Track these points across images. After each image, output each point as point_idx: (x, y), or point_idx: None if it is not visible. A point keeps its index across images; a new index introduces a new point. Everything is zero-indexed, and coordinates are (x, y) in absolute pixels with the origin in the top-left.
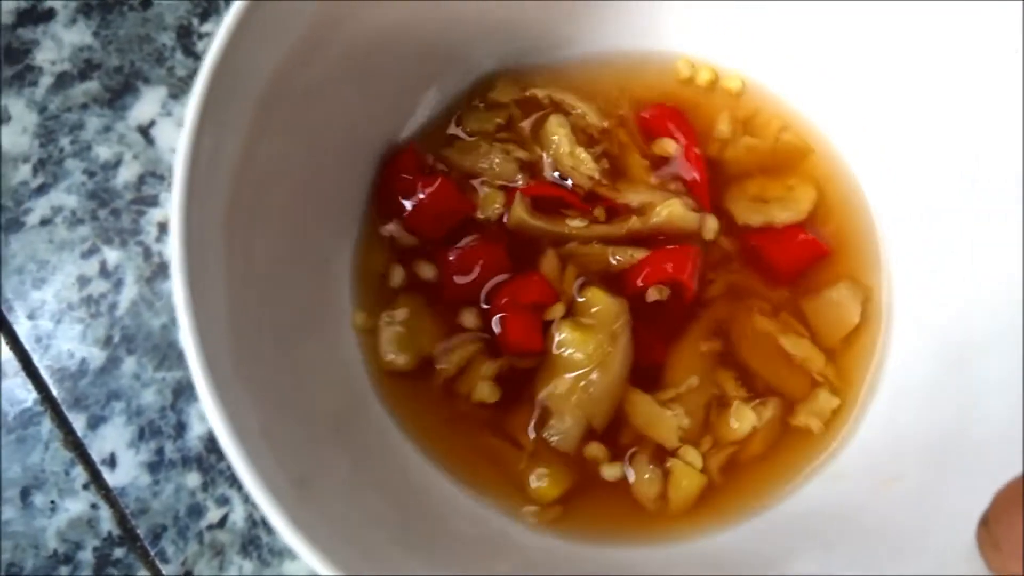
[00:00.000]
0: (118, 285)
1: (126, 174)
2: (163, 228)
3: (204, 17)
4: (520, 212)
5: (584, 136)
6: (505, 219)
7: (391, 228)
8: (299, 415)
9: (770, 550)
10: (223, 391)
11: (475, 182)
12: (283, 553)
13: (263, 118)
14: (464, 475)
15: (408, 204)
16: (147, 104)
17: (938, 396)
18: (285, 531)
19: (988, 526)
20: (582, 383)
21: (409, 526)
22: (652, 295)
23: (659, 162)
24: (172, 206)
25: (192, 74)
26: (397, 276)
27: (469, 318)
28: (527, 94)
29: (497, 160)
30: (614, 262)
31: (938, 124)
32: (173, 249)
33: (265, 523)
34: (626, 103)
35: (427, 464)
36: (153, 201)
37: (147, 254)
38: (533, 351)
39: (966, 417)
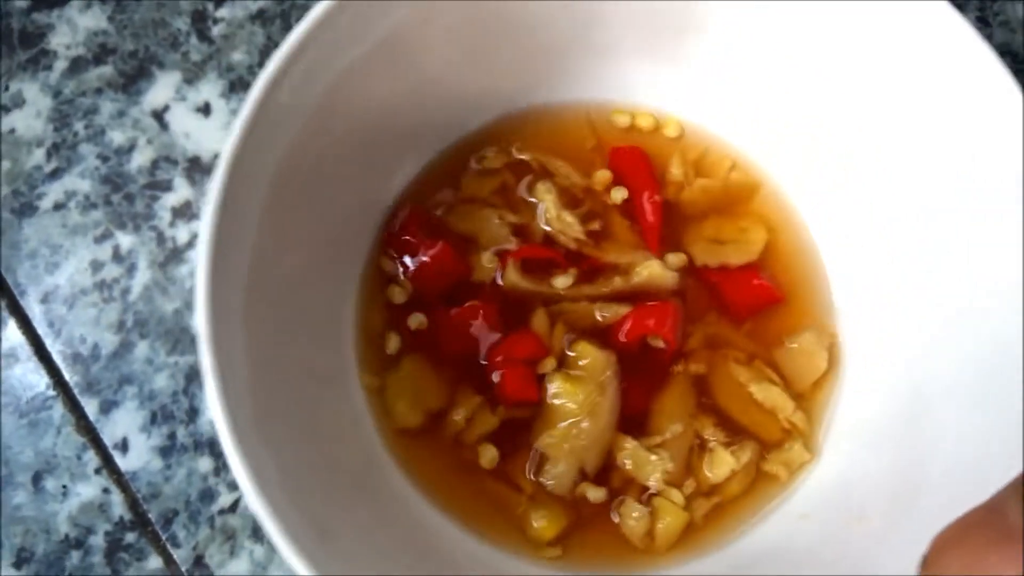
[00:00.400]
0: (131, 270)
1: (140, 159)
2: (176, 213)
3: (219, 2)
4: (513, 276)
5: (568, 196)
6: (499, 281)
7: (394, 287)
8: (316, 470)
9: None
10: (247, 449)
11: (472, 245)
12: None
13: (273, 197)
14: (469, 520)
15: (411, 263)
16: (161, 89)
17: (897, 437)
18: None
19: (926, 567)
20: (574, 431)
21: (421, 570)
22: (651, 343)
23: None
24: (198, 283)
25: (207, 59)
26: (393, 343)
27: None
28: (516, 158)
29: (493, 223)
30: (600, 318)
31: (878, 164)
32: (200, 321)
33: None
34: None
35: (435, 511)
36: (167, 186)
37: (160, 239)
38: (529, 402)
39: (926, 458)
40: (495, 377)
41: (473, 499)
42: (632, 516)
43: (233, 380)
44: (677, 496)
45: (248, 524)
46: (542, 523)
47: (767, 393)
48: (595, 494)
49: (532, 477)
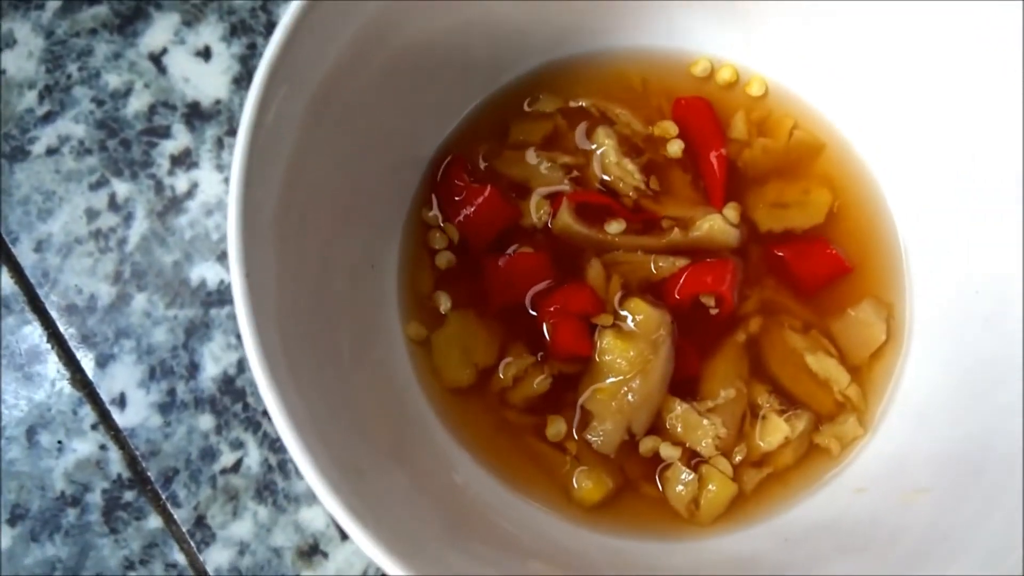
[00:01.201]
0: (128, 219)
1: (136, 104)
2: (175, 161)
3: None
4: (566, 218)
5: (629, 145)
6: (550, 226)
7: (439, 238)
8: (352, 419)
9: (796, 555)
10: (283, 392)
11: (522, 191)
12: (299, 499)
13: (312, 122)
14: (512, 479)
15: (458, 210)
16: (159, 31)
17: (961, 412)
18: (340, 513)
19: None
20: (623, 389)
21: (456, 525)
22: (704, 304)
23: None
24: (230, 216)
25: (207, 1)
26: (444, 303)
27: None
28: (572, 104)
29: (544, 167)
30: (655, 270)
31: (955, 119)
32: (231, 247)
33: (281, 468)
34: (657, 100)
35: (476, 467)
36: (165, 133)
37: (158, 187)
38: (582, 356)
39: (991, 434)
40: (546, 330)
41: (516, 458)
42: (679, 482)
43: (265, 316)
44: (725, 465)
45: (251, 484)
46: (587, 485)
47: (822, 364)
48: (648, 445)
49: (576, 436)
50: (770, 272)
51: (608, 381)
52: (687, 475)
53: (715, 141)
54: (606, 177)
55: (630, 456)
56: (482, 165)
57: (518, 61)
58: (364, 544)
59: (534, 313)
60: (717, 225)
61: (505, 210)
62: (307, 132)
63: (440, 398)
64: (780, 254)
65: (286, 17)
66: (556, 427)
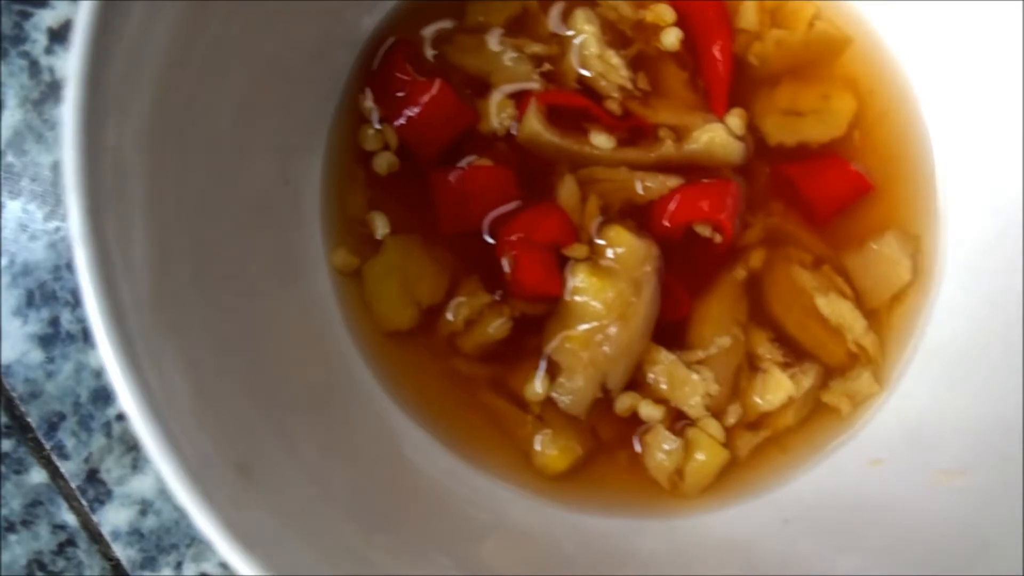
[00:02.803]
0: None
1: None
2: (54, 36)
3: None
4: (533, 123)
5: (614, 33)
6: (515, 132)
7: (373, 139)
8: (251, 380)
9: (795, 541)
10: (131, 344)
11: (480, 87)
12: None
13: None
14: (461, 442)
15: (400, 113)
16: None
17: (1000, 373)
18: (216, 536)
19: None
20: (598, 337)
21: (385, 508)
22: (698, 232)
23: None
24: (67, 97)
25: None
26: (380, 226)
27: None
28: None
29: (508, 58)
30: (641, 191)
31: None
32: (67, 160)
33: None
34: None
35: (417, 429)
36: (40, 2)
37: (34, 69)
38: (550, 296)
39: None
40: (506, 263)
41: (466, 417)
42: (660, 448)
43: (118, 243)
44: (716, 428)
45: None
46: (552, 452)
47: (834, 307)
48: (625, 403)
49: (540, 391)
50: (777, 195)
51: (580, 327)
52: (671, 441)
53: (719, 32)
54: (585, 73)
55: (604, 416)
56: (430, 53)
57: None
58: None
59: (492, 242)
60: (718, 137)
61: (458, 111)
62: (191, 12)
63: (373, 344)
64: (790, 173)
65: None
66: (533, 386)
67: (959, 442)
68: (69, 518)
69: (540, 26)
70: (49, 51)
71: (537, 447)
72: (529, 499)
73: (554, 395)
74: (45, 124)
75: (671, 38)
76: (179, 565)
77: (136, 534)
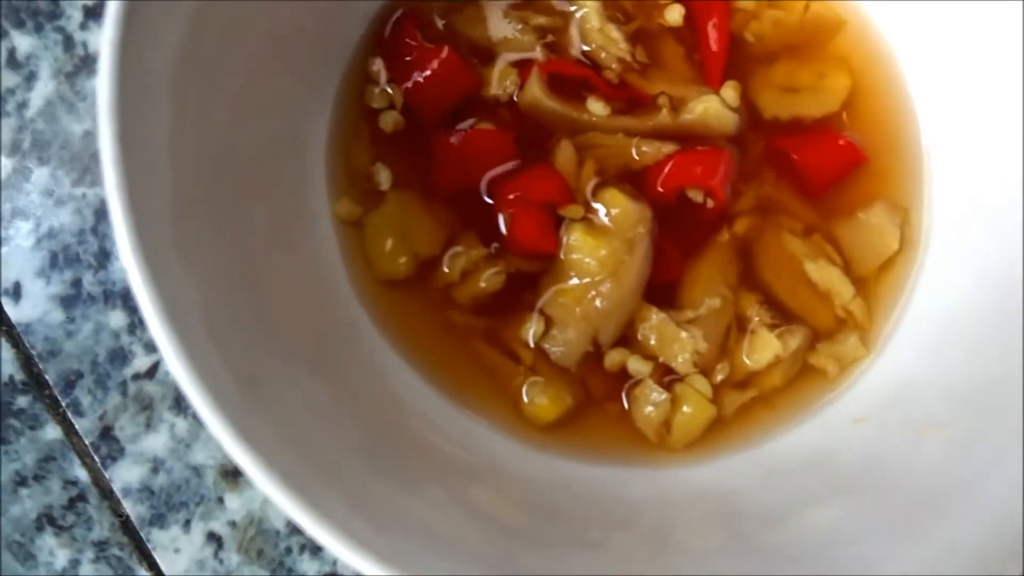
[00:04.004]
0: (30, 79)
1: None
2: (89, 13)
3: None
4: (535, 90)
5: (616, 9)
6: (516, 98)
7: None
8: (257, 312)
9: (779, 492)
10: (158, 268)
11: (485, 56)
12: None
13: None
14: (453, 389)
15: (408, 77)
16: None
17: (982, 338)
18: (224, 435)
19: None
20: (591, 292)
21: (382, 442)
22: (691, 198)
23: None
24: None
25: None
26: (383, 179)
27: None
28: None
29: (513, 29)
30: (636, 156)
31: None
32: (102, 94)
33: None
34: None
35: (411, 374)
36: None
37: (68, 43)
38: (545, 253)
39: (1013, 361)
40: (504, 220)
41: (459, 366)
42: (649, 401)
43: (146, 181)
44: (703, 384)
45: (169, 393)
46: (542, 401)
47: (823, 273)
48: (614, 358)
49: (533, 344)
50: (770, 166)
51: (573, 283)
52: (659, 394)
53: (716, 9)
54: (586, 46)
55: (594, 370)
56: (439, 23)
57: None
58: (254, 473)
59: (490, 201)
60: (713, 107)
61: (464, 77)
62: None
63: (372, 292)
64: (784, 145)
65: None
66: (526, 333)
67: (941, 400)
68: (81, 474)
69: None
70: (83, 27)
71: (527, 397)
72: (519, 446)
73: (546, 346)
74: (77, 95)
75: (675, 15)
76: (187, 523)
77: (147, 491)
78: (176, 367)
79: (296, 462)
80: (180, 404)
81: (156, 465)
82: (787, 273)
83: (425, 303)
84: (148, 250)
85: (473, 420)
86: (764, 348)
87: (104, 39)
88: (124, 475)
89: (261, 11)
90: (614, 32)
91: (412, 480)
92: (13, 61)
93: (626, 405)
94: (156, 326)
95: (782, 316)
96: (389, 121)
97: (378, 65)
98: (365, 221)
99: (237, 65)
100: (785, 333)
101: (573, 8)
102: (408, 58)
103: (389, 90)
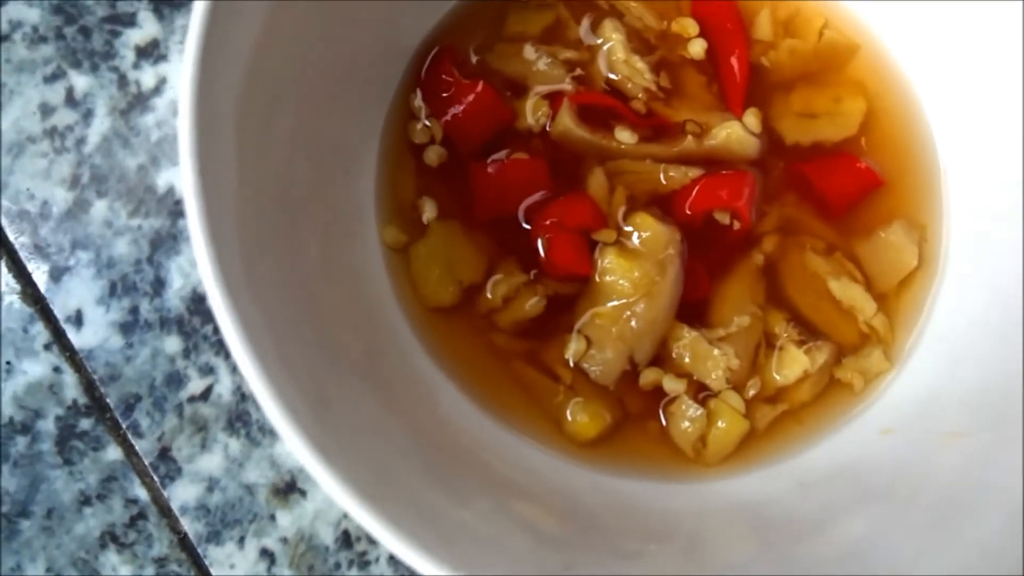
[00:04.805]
0: (87, 116)
1: None
2: (141, 52)
3: None
4: (566, 120)
5: (639, 41)
6: (548, 129)
7: (422, 133)
8: (318, 339)
9: (811, 502)
10: (237, 300)
11: (518, 89)
12: (275, 432)
13: (272, 19)
14: (498, 409)
15: (445, 107)
16: None
17: (1001, 347)
18: (302, 450)
19: None
20: (626, 313)
21: (434, 458)
22: (718, 220)
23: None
24: (182, 95)
25: None
26: (429, 208)
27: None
28: None
29: (543, 63)
30: (664, 181)
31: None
32: (183, 139)
33: (256, 397)
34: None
35: (459, 395)
36: (130, 20)
37: (122, 82)
38: (581, 276)
39: None
40: (541, 245)
41: (503, 386)
42: (684, 417)
43: (220, 222)
44: (737, 400)
45: (223, 414)
46: (583, 419)
47: (846, 291)
48: (649, 377)
49: (573, 364)
50: (792, 188)
51: (609, 304)
52: (694, 410)
53: (737, 41)
54: (613, 76)
55: (631, 388)
56: (473, 59)
57: None
58: (331, 486)
59: (528, 227)
60: (735, 133)
61: (498, 110)
62: (274, 15)
63: (420, 317)
64: (803, 170)
65: None
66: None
67: (963, 409)
68: (141, 493)
69: (572, 35)
70: (136, 66)
71: (569, 416)
72: (561, 463)
73: (585, 366)
74: (131, 131)
75: (697, 48)
76: (241, 540)
77: (203, 509)
78: (260, 391)
79: (364, 475)
80: (233, 425)
81: (211, 484)
82: (811, 291)
83: (470, 327)
84: (229, 285)
85: (518, 438)
86: (793, 363)
87: (183, 82)
88: (181, 494)
89: (311, 54)
90: (639, 63)
91: (464, 493)
92: (71, 99)
93: (663, 421)
94: (241, 356)
95: (808, 332)
96: (434, 156)
97: (419, 101)
98: (411, 251)
99: (291, 106)
100: (812, 349)
101: (599, 41)
102: (446, 93)
103: (429, 124)
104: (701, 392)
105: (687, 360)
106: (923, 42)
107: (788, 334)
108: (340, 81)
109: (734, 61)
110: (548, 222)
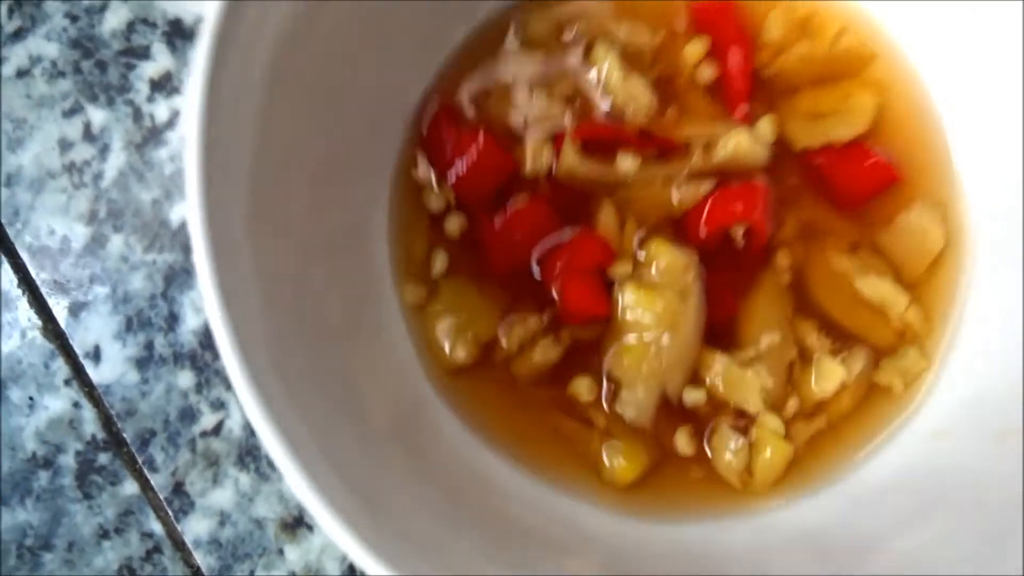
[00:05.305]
0: (104, 151)
1: (113, 20)
2: (155, 86)
3: None
4: (570, 158)
5: (635, 60)
6: (554, 170)
7: (433, 199)
8: (351, 419)
9: (874, 520)
10: (272, 406)
11: (518, 134)
12: None
13: (275, 89)
14: (532, 462)
15: (450, 169)
16: None
17: None
18: (369, 562)
19: None
20: (653, 349)
21: (471, 523)
22: (735, 235)
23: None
24: (189, 198)
25: None
26: (439, 262)
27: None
28: (564, 29)
29: (540, 103)
30: (676, 201)
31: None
32: (198, 249)
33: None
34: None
35: (491, 453)
36: (144, 53)
37: (137, 115)
38: (599, 317)
39: None
40: (555, 291)
41: (536, 439)
42: (728, 448)
43: (243, 317)
44: (777, 424)
45: (233, 450)
46: (620, 463)
47: (875, 287)
48: (693, 396)
49: (606, 407)
50: (806, 188)
51: (634, 341)
52: (737, 441)
53: (738, 44)
54: (611, 100)
55: (667, 425)
56: (471, 110)
57: None
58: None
59: (541, 273)
60: (743, 143)
61: (501, 160)
62: (271, 97)
63: (443, 377)
64: (816, 164)
65: None
66: (579, 387)
67: (1012, 404)
68: (156, 527)
69: (565, 66)
70: (150, 99)
71: (606, 461)
72: (602, 512)
73: (618, 408)
74: (146, 165)
75: (695, 58)
76: (251, 574)
77: (215, 543)
78: (315, 506)
79: (414, 556)
80: (243, 460)
81: (223, 518)
82: (840, 293)
83: (494, 381)
84: (249, 361)
85: (554, 490)
86: (830, 376)
87: (189, 185)
88: (195, 528)
89: (315, 119)
90: (636, 83)
91: (508, 558)
92: (89, 134)
93: (709, 454)
94: (288, 465)
95: (841, 339)
96: (455, 227)
97: (423, 169)
98: (425, 313)
99: (300, 171)
100: (848, 357)
101: (593, 68)
102: (448, 151)
103: (436, 189)
104: (741, 418)
105: (721, 388)
106: (932, 36)
107: (821, 344)
108: (345, 153)
109: (735, 66)
110: (559, 266)
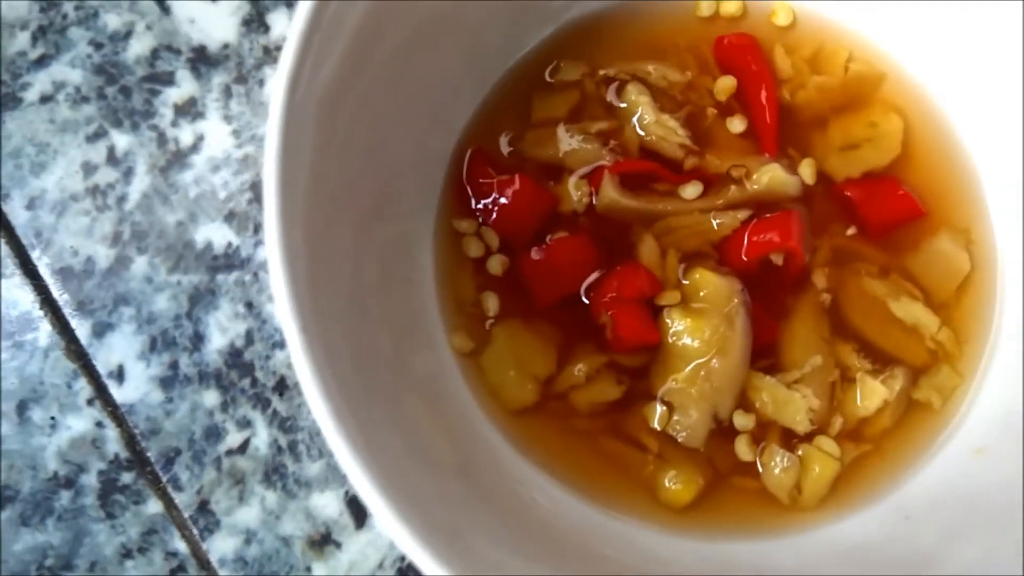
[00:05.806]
0: (128, 174)
1: (138, 47)
2: (179, 110)
3: None
4: (610, 192)
5: (667, 99)
6: (595, 204)
7: (474, 243)
8: (421, 459)
9: (922, 535)
10: (356, 447)
11: (556, 173)
12: (311, 484)
13: (327, 131)
14: (594, 492)
15: (490, 209)
16: None
17: None
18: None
19: None
20: (702, 372)
21: (541, 550)
22: (772, 261)
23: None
24: (268, 241)
25: None
26: (492, 305)
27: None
28: (596, 71)
29: (577, 141)
30: (715, 227)
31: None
32: (278, 286)
33: (291, 450)
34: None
35: (555, 487)
36: (168, 79)
37: (161, 140)
38: (650, 345)
39: None
40: (605, 322)
41: (594, 468)
42: (778, 466)
43: (318, 355)
44: (827, 443)
45: (259, 468)
46: (677, 486)
47: (908, 309)
48: (742, 421)
49: (659, 430)
50: (836, 216)
51: (685, 367)
52: (786, 458)
53: (764, 82)
54: (646, 139)
55: (719, 447)
56: (506, 151)
57: (529, 30)
58: None
59: (588, 304)
60: (777, 176)
61: (540, 199)
62: (323, 137)
63: (504, 418)
64: (847, 194)
65: (297, 21)
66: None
67: None
68: (180, 546)
69: (599, 107)
70: (174, 124)
71: (662, 484)
72: (658, 533)
73: (671, 432)
74: (170, 188)
75: (726, 84)
76: None
77: (241, 561)
78: (407, 543)
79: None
80: (269, 478)
81: (249, 536)
82: (875, 316)
83: (553, 417)
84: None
85: (616, 518)
86: (872, 395)
87: (268, 228)
88: (220, 546)
89: (364, 160)
90: (670, 121)
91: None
92: (113, 158)
93: (760, 469)
94: (382, 510)
95: (879, 359)
96: (497, 266)
97: (464, 220)
98: (482, 361)
99: (350, 214)
100: (888, 377)
101: (625, 106)
102: (487, 193)
103: (481, 235)
104: (789, 438)
105: (769, 409)
106: (944, 59)
107: (860, 365)
108: (388, 196)
109: (763, 102)
110: (607, 298)
